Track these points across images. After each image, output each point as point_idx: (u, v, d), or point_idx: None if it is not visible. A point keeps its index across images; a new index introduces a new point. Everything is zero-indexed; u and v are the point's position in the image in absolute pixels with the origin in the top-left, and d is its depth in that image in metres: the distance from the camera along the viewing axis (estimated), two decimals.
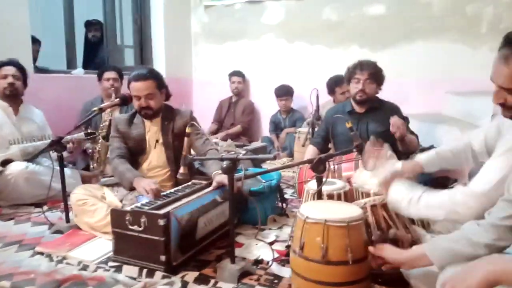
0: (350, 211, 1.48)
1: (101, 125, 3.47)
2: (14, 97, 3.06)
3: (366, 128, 2.92)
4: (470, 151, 1.69)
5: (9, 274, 1.84)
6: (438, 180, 3.05)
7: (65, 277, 1.79)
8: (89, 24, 5.35)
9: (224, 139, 4.81)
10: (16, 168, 2.84)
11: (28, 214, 2.72)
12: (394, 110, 2.93)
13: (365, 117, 2.95)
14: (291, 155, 4.37)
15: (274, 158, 1.99)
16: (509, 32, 1.30)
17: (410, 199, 1.46)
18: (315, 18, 4.95)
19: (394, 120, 2.63)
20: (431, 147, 3.30)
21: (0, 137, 2.93)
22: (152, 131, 2.54)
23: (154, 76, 2.46)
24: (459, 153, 1.73)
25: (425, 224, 1.96)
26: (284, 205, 2.73)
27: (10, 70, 3.02)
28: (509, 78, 1.26)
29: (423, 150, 3.14)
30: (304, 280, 1.43)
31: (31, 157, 2.82)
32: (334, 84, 4.24)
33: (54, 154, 2.48)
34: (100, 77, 3.84)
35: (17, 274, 1.84)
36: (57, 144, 2.38)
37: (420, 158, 1.81)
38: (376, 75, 2.87)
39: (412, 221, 1.91)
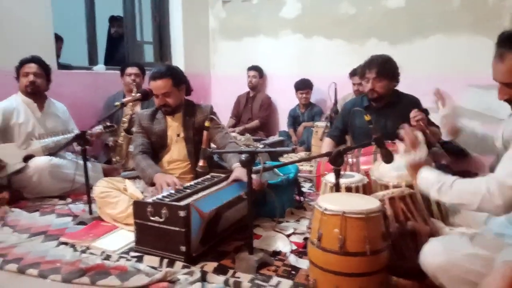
0: (368, 203, 1.49)
1: (123, 119, 3.55)
2: (36, 94, 3.12)
3: (384, 123, 2.89)
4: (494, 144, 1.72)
5: (36, 263, 1.92)
6: (459, 174, 3.02)
7: (89, 266, 1.86)
8: (113, 20, 5.45)
9: (242, 133, 4.84)
10: (40, 162, 2.93)
11: (52, 206, 2.80)
12: (413, 103, 2.88)
13: (383, 111, 2.91)
14: (308, 149, 4.36)
15: (293, 150, 2.01)
16: (502, 31, 1.37)
17: (442, 184, 1.44)
18: (333, 12, 4.92)
19: (414, 113, 2.57)
20: (451, 140, 3.27)
21: (25, 132, 3.02)
22: (173, 126, 2.59)
23: (171, 74, 2.47)
24: (489, 140, 1.76)
25: (444, 217, 1.95)
26: (302, 198, 2.75)
27: (31, 67, 3.06)
28: (506, 73, 1.35)
29: (444, 143, 3.12)
30: (322, 270, 1.44)
31: (54, 151, 2.90)
32: (349, 76, 4.36)
33: (77, 148, 2.55)
34: (122, 73, 3.92)
35: (44, 263, 1.92)
36: (81, 138, 2.45)
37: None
38: (384, 72, 2.79)
39: (431, 213, 1.90)
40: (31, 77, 3.05)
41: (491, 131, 1.90)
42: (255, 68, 5.30)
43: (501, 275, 1.12)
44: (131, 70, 3.87)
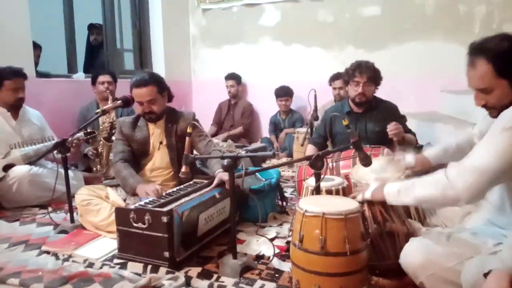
0: (347, 204, 1.53)
1: (101, 127, 3.52)
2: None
3: (364, 128, 2.97)
4: (472, 143, 1.79)
5: (17, 272, 1.89)
6: None
7: (72, 274, 1.85)
8: (92, 27, 5.42)
9: (225, 140, 4.87)
10: (20, 171, 2.88)
11: (33, 216, 2.77)
12: (392, 109, 2.98)
13: (363, 116, 3.00)
14: (290, 155, 4.42)
15: (274, 155, 2.05)
16: (472, 42, 1.45)
17: (405, 187, 1.52)
18: (311, 20, 5.03)
19: (391, 127, 2.67)
20: (427, 144, 3.37)
21: (0, 141, 2.96)
22: (156, 133, 2.59)
23: (155, 81, 2.49)
24: (463, 145, 1.83)
25: (421, 218, 2.02)
26: (284, 203, 2.78)
27: (20, 83, 3.02)
28: (479, 79, 1.42)
29: (420, 147, 3.22)
30: (304, 271, 1.48)
31: (34, 160, 2.86)
32: (329, 81, 4.44)
33: (58, 156, 2.53)
34: (94, 81, 3.89)
35: (25, 272, 1.89)
36: (61, 146, 2.43)
37: (429, 153, 1.90)
38: (375, 77, 2.91)
39: (408, 214, 1.97)
40: (21, 93, 3.03)
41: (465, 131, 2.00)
42: (232, 77, 5.32)
43: (496, 284, 1.14)
44: (104, 78, 3.84)
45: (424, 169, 1.96)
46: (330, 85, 4.42)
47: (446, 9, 4.31)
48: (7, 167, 2.90)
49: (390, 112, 2.92)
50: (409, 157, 2.04)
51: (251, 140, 5.37)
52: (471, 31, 4.11)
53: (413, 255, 1.47)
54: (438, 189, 1.41)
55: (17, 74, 3.01)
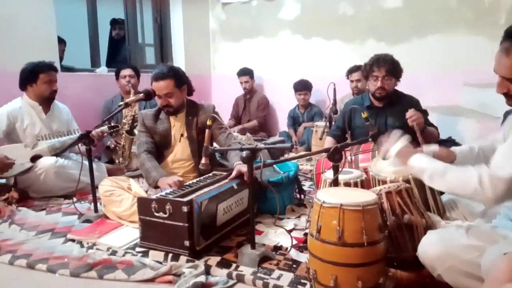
0: (365, 196, 1.54)
1: (124, 120, 3.60)
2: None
3: (384, 122, 2.94)
4: (495, 149, 1.74)
5: (44, 258, 1.98)
6: None
7: (96, 261, 1.91)
8: (114, 22, 5.52)
9: (242, 133, 4.90)
10: (46, 163, 2.98)
11: (58, 205, 2.86)
12: (413, 103, 2.93)
13: (383, 111, 2.97)
14: (308, 149, 4.42)
15: (292, 147, 2.06)
16: (510, 25, 1.37)
17: (434, 170, 1.49)
18: (331, 13, 4.99)
19: (409, 113, 2.64)
20: (449, 138, 3.32)
21: (31, 135, 3.09)
22: (177, 126, 2.64)
23: (173, 75, 2.52)
24: (486, 151, 1.78)
25: (441, 211, 2.00)
26: (302, 196, 2.80)
27: (54, 75, 3.13)
28: (509, 68, 1.36)
29: (441, 142, 3.18)
30: (321, 261, 1.49)
31: (60, 152, 2.96)
32: (347, 74, 4.39)
33: (82, 148, 2.61)
34: (117, 76, 4.00)
35: (52, 259, 1.98)
36: (86, 138, 2.50)
37: (455, 149, 1.86)
38: (394, 70, 2.87)
39: (428, 207, 1.96)
40: (55, 86, 3.14)
41: (488, 130, 1.94)
42: (245, 72, 5.29)
43: (506, 268, 1.14)
44: (125, 72, 3.96)
45: (449, 159, 1.92)
46: (348, 78, 4.38)
47: (470, 1, 4.21)
48: (34, 158, 3.00)
49: (411, 106, 2.87)
50: (434, 146, 2.00)
51: (270, 133, 5.38)
52: (496, 22, 4.01)
53: (431, 247, 1.46)
54: (468, 191, 1.40)
55: (51, 67, 3.12)
